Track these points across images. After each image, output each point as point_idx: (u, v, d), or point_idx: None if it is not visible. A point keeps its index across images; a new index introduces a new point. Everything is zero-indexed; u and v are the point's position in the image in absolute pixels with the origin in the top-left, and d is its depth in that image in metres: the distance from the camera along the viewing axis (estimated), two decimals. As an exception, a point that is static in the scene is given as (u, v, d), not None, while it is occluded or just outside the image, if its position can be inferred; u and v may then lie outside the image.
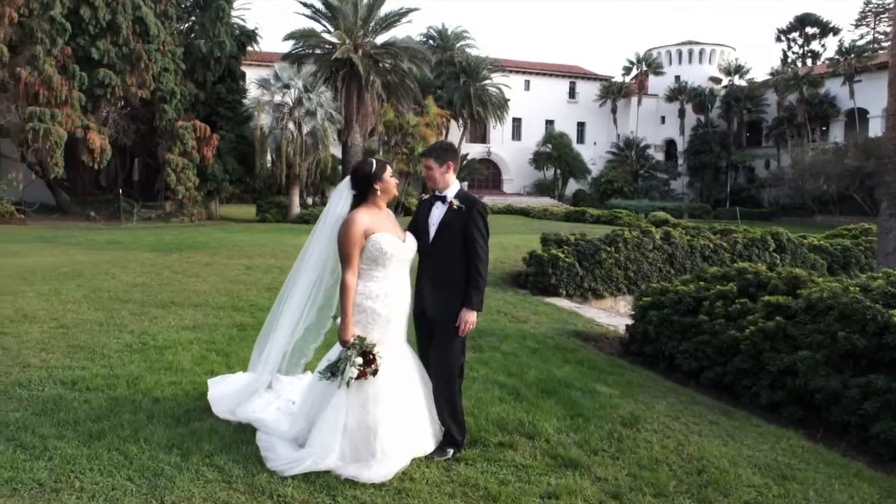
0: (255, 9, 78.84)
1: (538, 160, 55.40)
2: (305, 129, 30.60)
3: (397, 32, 35.54)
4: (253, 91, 32.71)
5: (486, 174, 57.52)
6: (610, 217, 31.23)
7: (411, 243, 4.00)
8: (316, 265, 4.16)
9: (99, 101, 28.34)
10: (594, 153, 58.70)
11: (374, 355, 3.67)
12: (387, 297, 3.86)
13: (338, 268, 3.97)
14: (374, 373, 3.68)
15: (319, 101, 30.65)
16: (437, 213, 4.10)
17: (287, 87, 30.63)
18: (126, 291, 9.29)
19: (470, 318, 4.03)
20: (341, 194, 4.07)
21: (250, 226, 27.38)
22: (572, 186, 55.65)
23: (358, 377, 3.63)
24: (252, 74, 34.79)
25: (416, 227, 4.18)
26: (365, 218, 3.83)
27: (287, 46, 35.09)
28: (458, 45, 52.36)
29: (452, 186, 4.14)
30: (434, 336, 4.12)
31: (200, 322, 7.45)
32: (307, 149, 30.68)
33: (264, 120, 30.38)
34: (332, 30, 34.14)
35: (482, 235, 4.07)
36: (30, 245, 16.71)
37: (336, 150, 35.14)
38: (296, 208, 30.90)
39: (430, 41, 50.65)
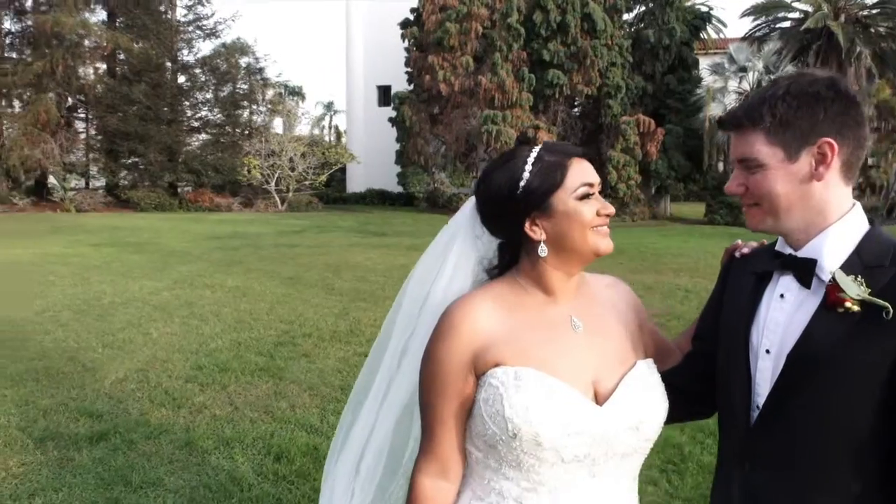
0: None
1: None
2: (764, 118, 26.31)
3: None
4: (706, 79, 29.65)
5: None
6: None
7: (632, 407, 1.21)
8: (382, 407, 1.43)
9: (548, 101, 29.12)
10: None
11: None
12: None
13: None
14: None
15: (784, 83, 25.93)
16: (786, 311, 1.22)
17: (743, 69, 26.82)
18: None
19: None
20: (453, 240, 1.34)
21: (694, 228, 24.26)
22: None
23: None
24: (706, 63, 31.60)
25: (721, 346, 1.34)
26: (483, 318, 1.21)
27: (745, 28, 30.87)
28: None
29: (837, 226, 1.19)
30: None
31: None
32: (765, 140, 26.37)
33: (714, 109, 27.18)
34: (804, -5, 28.53)
35: None
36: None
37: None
38: (749, 210, 26.89)
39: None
